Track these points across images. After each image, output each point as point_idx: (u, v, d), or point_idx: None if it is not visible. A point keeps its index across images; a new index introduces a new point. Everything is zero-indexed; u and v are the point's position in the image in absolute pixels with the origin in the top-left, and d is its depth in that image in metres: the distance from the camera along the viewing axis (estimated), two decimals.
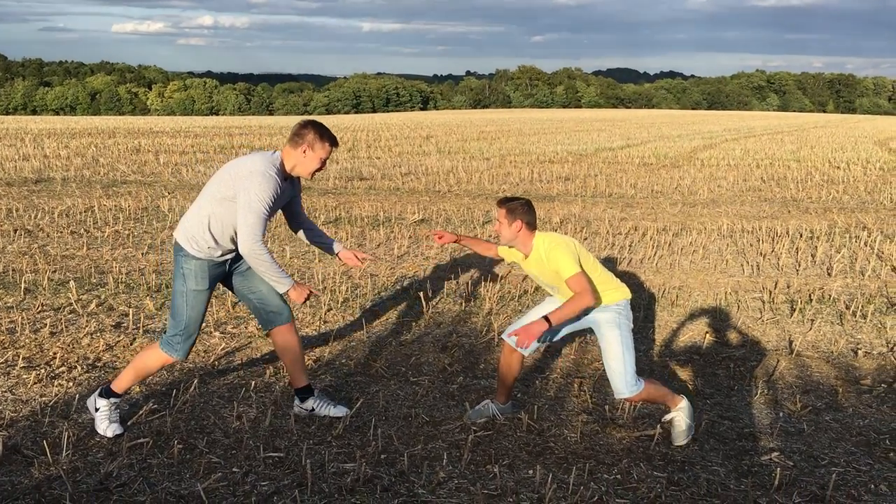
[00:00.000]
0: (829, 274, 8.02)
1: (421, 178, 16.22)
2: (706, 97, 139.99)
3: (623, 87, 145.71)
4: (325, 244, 4.52)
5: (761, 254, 8.95)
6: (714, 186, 15.24)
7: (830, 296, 7.13)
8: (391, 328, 6.01)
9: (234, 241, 4.00)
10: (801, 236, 10.05)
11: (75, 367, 5.00)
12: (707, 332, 6.04)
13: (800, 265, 8.42)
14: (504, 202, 4.06)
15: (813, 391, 4.91)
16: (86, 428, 4.12)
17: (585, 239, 9.68)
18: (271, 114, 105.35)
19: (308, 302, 3.99)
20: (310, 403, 4.33)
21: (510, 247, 4.14)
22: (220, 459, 3.84)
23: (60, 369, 4.97)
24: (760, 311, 6.65)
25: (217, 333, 5.76)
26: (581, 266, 3.88)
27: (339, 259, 4.55)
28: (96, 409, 4.09)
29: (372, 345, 5.60)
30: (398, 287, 7.20)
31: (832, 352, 5.66)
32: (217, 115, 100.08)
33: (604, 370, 5.09)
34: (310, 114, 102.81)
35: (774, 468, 3.83)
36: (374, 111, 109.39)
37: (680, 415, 4.12)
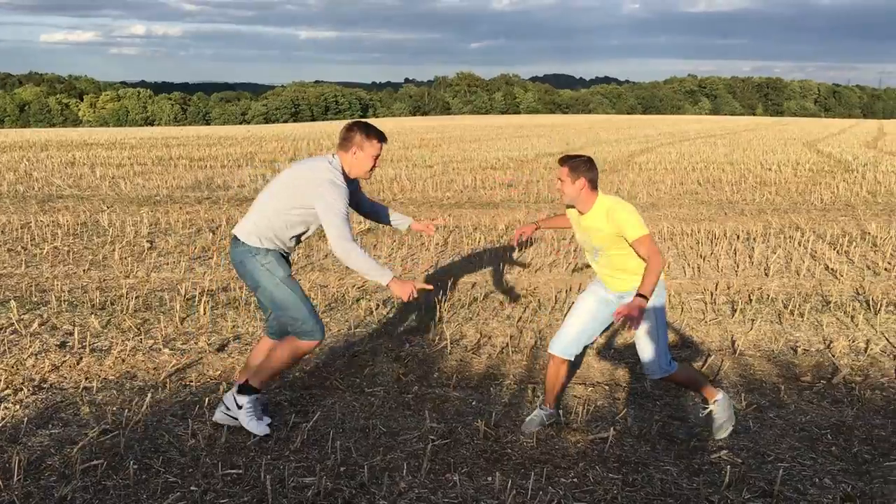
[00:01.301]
0: (766, 274, 8.29)
1: (364, 186, 16.17)
2: (641, 102, 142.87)
3: (560, 93, 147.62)
4: (398, 221, 4.67)
5: (701, 256, 9.20)
6: (653, 190, 15.58)
7: (769, 296, 7.38)
8: (343, 340, 6.01)
9: (295, 241, 4.14)
10: (738, 238, 10.36)
11: (21, 389, 4.87)
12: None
13: (738, 266, 8.69)
14: (566, 160, 4.07)
15: (756, 389, 5.09)
16: (36, 452, 4.03)
17: (531, 245, 9.81)
18: (208, 123, 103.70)
19: (413, 299, 4.01)
20: (245, 401, 4.19)
21: (571, 206, 4.18)
22: (177, 479, 3.79)
23: (5, 392, 4.83)
24: (703, 312, 6.85)
25: (166, 350, 5.68)
26: (650, 237, 3.92)
27: (412, 230, 4.69)
28: (239, 407, 4.15)
29: (326, 357, 5.59)
30: (349, 298, 7.19)
31: (773, 350, 5.86)
32: (153, 125, 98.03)
33: None
34: (248, 123, 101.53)
35: (724, 466, 3.96)
36: (314, 119, 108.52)
37: (716, 408, 4.22)
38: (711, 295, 7.40)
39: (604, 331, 4.46)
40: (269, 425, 4.28)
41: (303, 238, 4.23)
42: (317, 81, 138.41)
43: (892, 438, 4.34)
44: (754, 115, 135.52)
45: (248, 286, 4.23)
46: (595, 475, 3.88)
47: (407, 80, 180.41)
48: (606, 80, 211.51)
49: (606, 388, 5.10)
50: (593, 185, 4.05)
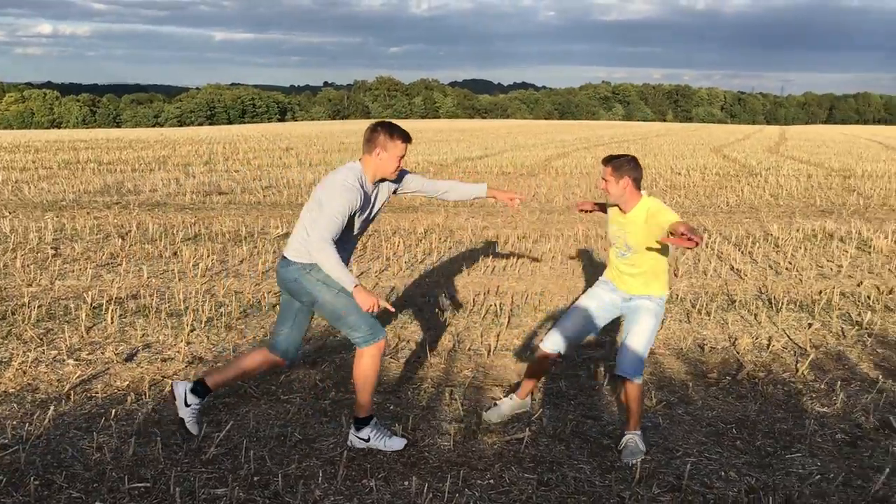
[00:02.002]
0: (675, 275, 8.54)
1: (283, 191, 15.97)
2: (557, 107, 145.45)
3: (479, 98, 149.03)
4: (473, 192, 4.64)
5: None
6: (569, 194, 15.87)
7: (678, 295, 7.60)
8: (258, 346, 5.89)
9: (344, 250, 4.06)
10: None
11: None
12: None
13: None
14: (610, 159, 4.13)
15: (666, 386, 5.23)
16: None
17: (450, 248, 9.85)
18: (119, 126, 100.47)
19: (373, 312, 3.98)
20: (367, 433, 4.19)
21: (613, 204, 4.24)
22: (81, 494, 3.65)
23: None
24: None
25: (71, 361, 5.47)
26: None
27: (492, 196, 4.62)
28: (367, 441, 4.15)
29: None
30: (264, 304, 7.07)
31: (681, 348, 6.04)
32: (60, 127, 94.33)
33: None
34: (161, 125, 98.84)
35: (635, 462, 4.06)
36: (230, 123, 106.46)
37: (636, 438, 4.21)
38: None
39: (518, 332, 4.51)
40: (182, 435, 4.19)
41: (355, 239, 4.21)
42: (233, 84, 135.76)
43: (793, 431, 4.53)
44: (665, 121, 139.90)
45: (304, 303, 4.14)
46: (511, 476, 3.92)
47: (326, 84, 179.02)
48: (524, 85, 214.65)
49: None
50: (637, 184, 4.13)
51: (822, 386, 5.23)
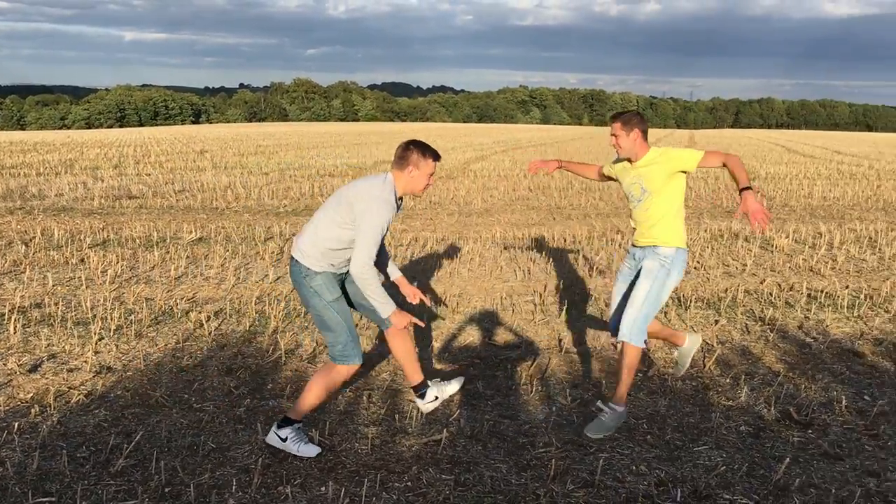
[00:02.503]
0: (590, 275, 8.73)
1: (196, 194, 15.62)
2: (476, 111, 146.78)
3: (398, 101, 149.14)
4: (391, 270, 4.64)
5: (531, 259, 9.56)
6: (487, 196, 16.03)
7: (593, 295, 7.77)
8: (171, 354, 5.75)
9: (349, 260, 4.12)
10: (565, 241, 10.85)
11: None
12: (485, 336, 6.36)
13: (566, 268, 9.10)
14: (618, 115, 4.36)
15: (581, 384, 5.34)
16: None
17: None
18: (23, 128, 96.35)
19: (408, 328, 4.21)
20: (432, 393, 4.46)
21: (621, 159, 4.47)
22: None
23: None
24: (533, 312, 7.12)
25: None
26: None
27: (397, 285, 4.61)
28: (283, 440, 4.13)
29: (150, 373, 5.34)
30: (177, 310, 6.90)
31: (596, 347, 6.18)
32: None
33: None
34: (68, 128, 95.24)
35: (550, 460, 4.14)
36: (142, 125, 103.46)
37: (608, 413, 4.43)
38: (541, 296, 7.71)
39: (437, 333, 4.53)
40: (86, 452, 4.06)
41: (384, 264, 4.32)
42: (144, 85, 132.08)
43: (700, 425, 4.69)
44: (581, 124, 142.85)
45: (303, 304, 4.22)
46: (428, 477, 3.94)
47: (242, 86, 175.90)
48: (443, 89, 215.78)
49: None
50: (645, 135, 4.38)
51: (728, 380, 5.44)
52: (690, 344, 5.08)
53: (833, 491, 3.88)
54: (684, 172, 4.47)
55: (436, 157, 4.19)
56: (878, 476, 4.05)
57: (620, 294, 4.73)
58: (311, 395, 4.17)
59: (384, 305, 4.10)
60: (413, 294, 4.55)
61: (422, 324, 4.35)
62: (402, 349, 4.40)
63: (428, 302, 4.76)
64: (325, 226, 4.06)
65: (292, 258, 4.18)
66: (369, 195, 4.00)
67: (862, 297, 7.81)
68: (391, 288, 4.53)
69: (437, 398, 4.48)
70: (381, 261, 4.46)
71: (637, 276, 4.59)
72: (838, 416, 4.82)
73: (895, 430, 4.62)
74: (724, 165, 4.30)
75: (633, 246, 4.67)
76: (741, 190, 4.16)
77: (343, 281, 4.30)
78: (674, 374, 5.18)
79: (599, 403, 4.56)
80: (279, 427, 4.18)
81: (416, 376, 4.47)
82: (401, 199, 4.26)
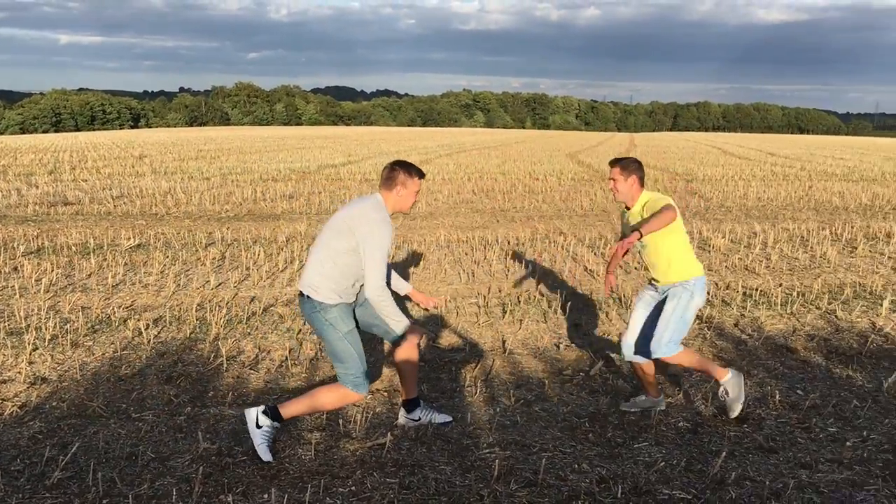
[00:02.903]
0: (534, 276, 8.83)
1: (135, 200, 15.31)
2: (420, 115, 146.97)
3: (342, 105, 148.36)
4: (397, 284, 4.72)
5: (475, 262, 9.62)
6: (431, 200, 16.07)
7: (536, 296, 7.85)
8: (108, 363, 5.63)
9: (359, 283, 4.23)
10: (508, 243, 10.95)
11: None
12: (430, 339, 6.38)
13: (509, 270, 9.18)
14: (617, 161, 4.59)
15: (524, 385, 5.40)
16: None
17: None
18: None
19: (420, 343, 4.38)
20: (416, 414, 4.59)
21: (622, 204, 4.68)
22: None
23: None
24: (477, 315, 7.16)
25: None
26: (671, 205, 4.38)
27: (411, 298, 4.76)
28: (258, 426, 4.13)
29: (87, 383, 5.21)
30: (115, 318, 6.76)
31: (539, 347, 6.25)
32: None
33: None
34: (1, 133, 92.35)
35: (494, 460, 4.17)
36: (78, 130, 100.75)
37: (726, 387, 4.64)
38: (484, 298, 7.76)
39: (381, 339, 4.53)
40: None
41: (356, 283, 4.28)
42: (81, 89, 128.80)
43: (640, 422, 4.78)
44: (524, 128, 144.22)
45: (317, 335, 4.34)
46: (373, 481, 3.94)
47: (182, 90, 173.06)
48: (387, 93, 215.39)
49: (385, 394, 5.18)
50: (641, 182, 4.61)
51: (667, 378, 5.55)
52: (654, 403, 5.03)
53: (767, 483, 3.99)
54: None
55: (420, 174, 4.32)
56: (810, 468, 4.18)
57: (638, 320, 4.85)
58: (305, 403, 4.24)
59: (400, 323, 4.25)
60: (426, 300, 4.73)
61: (428, 334, 4.49)
62: (411, 365, 4.52)
63: (443, 303, 4.87)
64: (331, 257, 4.13)
65: (302, 294, 4.22)
66: (369, 219, 4.08)
67: (794, 294, 8.06)
68: (401, 301, 4.64)
69: (419, 419, 4.57)
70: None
71: (651, 309, 4.83)
72: (772, 411, 4.96)
73: (826, 423, 4.78)
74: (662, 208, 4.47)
75: (653, 283, 4.83)
76: (635, 228, 4.39)
77: (353, 307, 4.36)
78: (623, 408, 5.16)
79: (719, 393, 4.78)
80: (265, 413, 4.17)
81: (413, 392, 4.60)
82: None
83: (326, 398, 4.26)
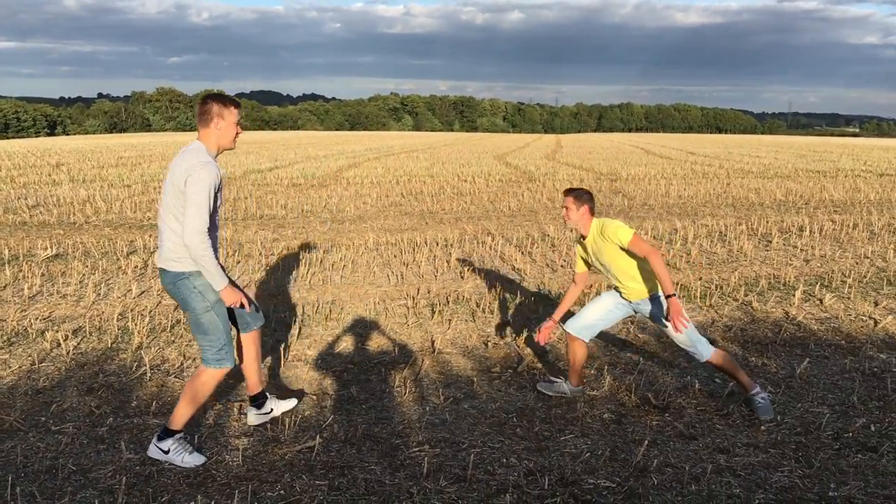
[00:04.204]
0: (461, 277, 8.90)
1: (52, 209, 14.81)
2: (348, 118, 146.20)
3: (268, 110, 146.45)
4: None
5: (404, 263, 9.64)
6: (360, 203, 16.02)
7: (464, 296, 7.92)
8: (26, 375, 5.45)
9: (215, 246, 4.08)
10: (437, 245, 11.01)
11: None
12: (359, 342, 6.37)
13: (437, 271, 9.23)
14: (571, 191, 4.85)
15: (453, 383, 5.45)
16: None
17: (238, 262, 9.62)
18: None
19: (235, 304, 4.11)
20: (269, 405, 4.63)
21: (580, 245, 4.97)
22: None
23: None
24: (406, 316, 7.18)
25: None
26: (637, 235, 4.64)
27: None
28: (166, 452, 4.08)
29: (3, 397, 5.03)
30: (31, 331, 6.54)
31: (467, 346, 6.31)
32: None
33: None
34: None
35: (423, 458, 4.20)
36: None
37: (756, 398, 4.83)
38: (413, 299, 7.79)
39: (311, 341, 4.50)
40: None
41: (217, 222, 4.15)
42: None
43: (567, 415, 4.88)
44: (452, 130, 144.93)
45: (181, 308, 4.18)
46: (302, 484, 3.92)
47: (101, 95, 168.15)
48: (314, 97, 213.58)
49: (314, 397, 5.16)
50: (592, 211, 4.86)
51: (592, 371, 5.68)
52: (574, 392, 5.22)
53: (687, 468, 4.13)
54: None
55: (236, 104, 4.21)
56: (727, 452, 4.34)
57: (598, 303, 5.06)
58: (186, 403, 4.14)
59: (217, 279, 4.01)
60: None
61: (248, 308, 4.29)
62: (253, 356, 4.52)
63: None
64: (174, 219, 3.98)
65: (161, 269, 4.09)
66: (190, 164, 3.93)
67: (713, 287, 8.33)
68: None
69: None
70: (212, 243, 4.33)
71: (619, 309, 5.04)
72: (692, 399, 5.13)
73: (742, 409, 4.96)
74: (647, 259, 4.63)
75: (622, 295, 4.99)
76: (668, 296, 4.52)
77: None
78: (539, 388, 5.31)
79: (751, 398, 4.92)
80: (160, 439, 4.12)
81: (258, 387, 4.62)
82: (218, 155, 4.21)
83: (199, 386, 4.15)
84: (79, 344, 6.21)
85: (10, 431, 4.52)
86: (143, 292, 8.03)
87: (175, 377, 5.49)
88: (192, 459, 4.10)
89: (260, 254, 10.21)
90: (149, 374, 5.51)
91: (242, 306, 4.22)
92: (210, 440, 4.42)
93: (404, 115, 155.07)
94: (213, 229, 4.10)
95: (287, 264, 9.55)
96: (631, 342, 6.42)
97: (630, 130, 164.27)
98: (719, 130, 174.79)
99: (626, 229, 4.70)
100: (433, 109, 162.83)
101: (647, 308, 4.91)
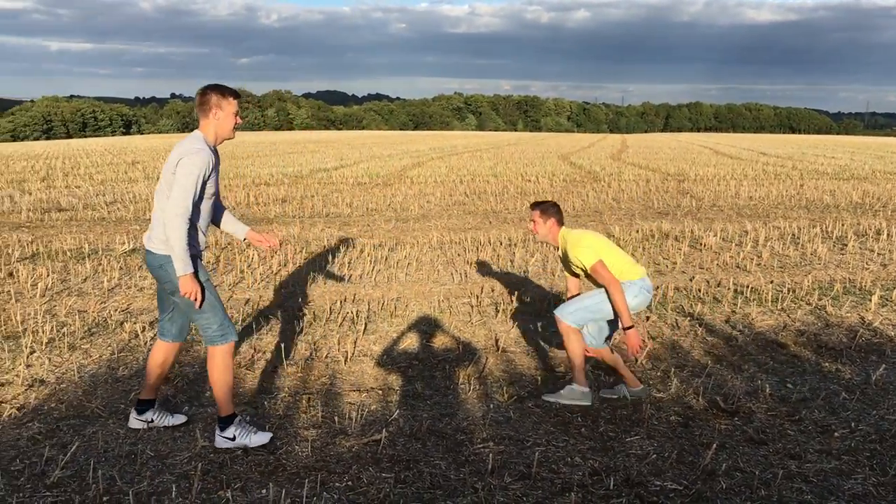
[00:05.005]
0: (526, 276, 8.90)
1: (129, 206, 15.33)
2: (412, 118, 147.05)
3: (333, 110, 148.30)
4: (233, 227, 4.60)
5: (468, 262, 9.68)
6: (423, 202, 16.13)
7: (528, 295, 7.92)
8: (106, 365, 5.67)
9: (202, 234, 4.19)
10: (501, 244, 11.02)
11: None
12: (424, 339, 6.44)
13: (501, 270, 9.24)
14: (538, 204, 4.95)
15: (517, 382, 5.46)
16: None
17: (306, 258, 9.81)
18: None
19: (189, 296, 4.10)
20: (148, 415, 4.52)
21: (545, 243, 5.08)
22: None
23: None
24: (469, 314, 7.22)
25: None
26: (598, 256, 4.73)
27: (249, 241, 4.61)
28: (232, 439, 4.21)
29: (85, 385, 5.26)
30: (111, 322, 6.80)
31: (531, 346, 6.32)
32: None
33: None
34: None
35: (487, 455, 4.23)
36: (70, 136, 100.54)
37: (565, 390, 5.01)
38: (477, 298, 7.82)
39: (376, 337, 4.56)
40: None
41: (202, 227, 4.20)
42: (72, 96, 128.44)
43: (632, 416, 4.85)
44: (515, 130, 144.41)
45: (167, 290, 4.22)
46: (368, 476, 3.99)
47: (174, 96, 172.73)
48: (378, 97, 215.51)
49: (380, 392, 5.24)
50: (560, 222, 4.96)
51: (659, 373, 5.63)
52: (639, 393, 5.19)
53: (757, 473, 4.06)
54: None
55: (235, 94, 4.25)
56: (799, 458, 4.26)
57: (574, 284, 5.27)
58: (219, 389, 4.24)
59: (182, 264, 4.00)
60: (265, 240, 4.57)
61: (198, 306, 4.16)
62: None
63: (275, 244, 4.67)
64: (165, 201, 4.07)
65: (148, 251, 4.16)
66: (182, 150, 4.03)
67: (785, 290, 8.15)
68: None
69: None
70: (216, 217, 4.45)
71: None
72: (762, 404, 5.04)
73: (814, 415, 4.85)
74: (606, 287, 4.75)
75: None
76: (625, 328, 4.67)
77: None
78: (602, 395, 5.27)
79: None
80: (222, 430, 4.25)
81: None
82: (215, 149, 4.22)
83: (220, 371, 4.19)
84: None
85: (91, 417, 4.71)
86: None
87: (246, 369, 5.64)
88: (259, 438, 4.25)
89: (326, 251, 10.39)
90: None
91: (195, 301, 4.11)
92: (280, 431, 4.54)
93: (468, 115, 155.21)
94: (197, 216, 4.11)
95: (352, 261, 9.69)
96: (698, 344, 6.33)
97: (699, 130, 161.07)
98: (792, 130, 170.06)
99: (590, 255, 4.74)
100: (497, 109, 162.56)
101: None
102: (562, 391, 5.07)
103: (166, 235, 4.00)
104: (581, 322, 4.99)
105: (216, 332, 4.20)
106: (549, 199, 14.60)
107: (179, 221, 3.96)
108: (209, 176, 4.08)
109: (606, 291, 4.79)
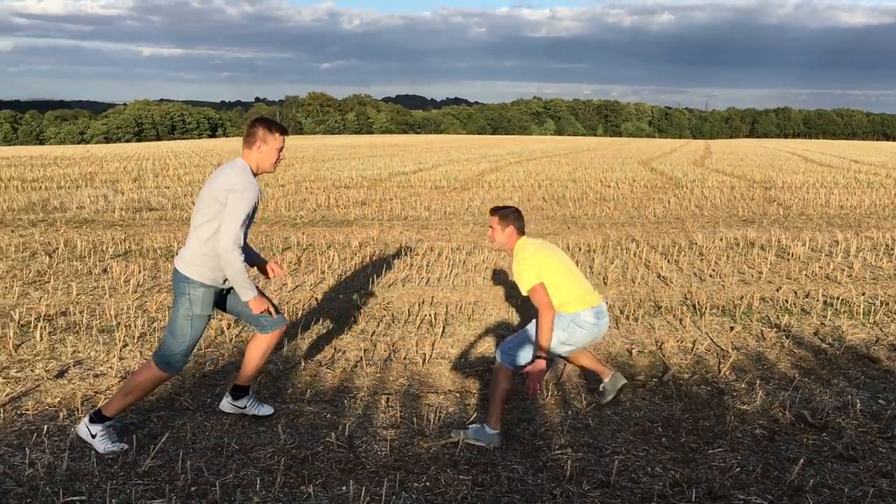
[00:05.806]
0: (605, 283, 8.79)
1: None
2: (490, 122, 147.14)
3: (412, 114, 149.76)
4: (258, 261, 4.72)
5: None
6: None
7: (608, 303, 7.83)
8: (194, 360, 5.87)
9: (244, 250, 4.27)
10: (579, 250, 10.92)
11: None
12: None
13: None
14: (497, 210, 4.60)
15: (596, 389, 5.39)
16: None
17: (385, 261, 9.93)
18: (42, 143, 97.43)
19: (263, 311, 4.37)
20: (243, 402, 4.69)
21: (504, 251, 4.66)
22: None
23: None
24: None
25: (0, 378, 5.36)
26: (539, 278, 4.34)
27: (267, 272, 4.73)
28: (93, 436, 4.21)
29: (174, 379, 5.43)
30: None
31: (611, 352, 6.24)
32: None
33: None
34: (87, 142, 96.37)
35: (566, 461, 4.21)
36: (159, 139, 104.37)
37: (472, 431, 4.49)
38: None
39: (453, 340, 4.59)
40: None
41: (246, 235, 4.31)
42: (162, 100, 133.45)
43: (715, 428, 4.74)
44: (595, 135, 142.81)
45: (175, 303, 4.33)
46: (446, 478, 4.02)
47: (258, 100, 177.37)
48: (457, 101, 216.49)
49: (458, 395, 5.26)
50: (520, 231, 4.60)
51: (743, 385, 5.48)
52: (614, 380, 4.97)
53: (846, 491, 3.92)
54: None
55: (283, 131, 4.31)
56: (890, 477, 4.09)
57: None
58: (127, 393, 4.27)
59: (246, 290, 4.22)
60: (271, 269, 4.68)
61: (274, 316, 4.46)
62: (262, 352, 4.55)
63: (280, 274, 4.77)
64: (204, 230, 4.17)
65: (175, 269, 4.28)
66: (234, 182, 4.10)
67: (878, 303, 7.83)
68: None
69: (245, 408, 4.68)
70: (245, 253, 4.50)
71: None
72: (853, 420, 4.86)
73: None
74: (538, 310, 4.34)
75: None
76: (536, 356, 4.30)
77: (223, 292, 4.39)
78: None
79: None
80: (92, 421, 4.25)
81: (248, 381, 4.67)
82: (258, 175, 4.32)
83: (140, 382, 4.25)
84: (240, 332, 6.61)
85: (180, 410, 4.89)
86: (296, 287, 8.45)
87: (327, 368, 5.75)
88: (112, 447, 4.20)
89: (405, 253, 10.49)
90: (303, 364, 5.80)
91: (269, 313, 4.40)
92: (359, 430, 4.61)
93: (547, 120, 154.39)
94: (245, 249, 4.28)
95: (430, 264, 9.76)
96: (785, 356, 6.14)
97: (787, 136, 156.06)
98: (886, 137, 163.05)
99: (525, 280, 4.36)
100: (576, 113, 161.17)
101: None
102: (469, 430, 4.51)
103: (224, 267, 4.12)
104: (515, 363, 4.52)
105: (169, 358, 4.24)
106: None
107: (236, 254, 4.10)
108: (254, 209, 4.21)
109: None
